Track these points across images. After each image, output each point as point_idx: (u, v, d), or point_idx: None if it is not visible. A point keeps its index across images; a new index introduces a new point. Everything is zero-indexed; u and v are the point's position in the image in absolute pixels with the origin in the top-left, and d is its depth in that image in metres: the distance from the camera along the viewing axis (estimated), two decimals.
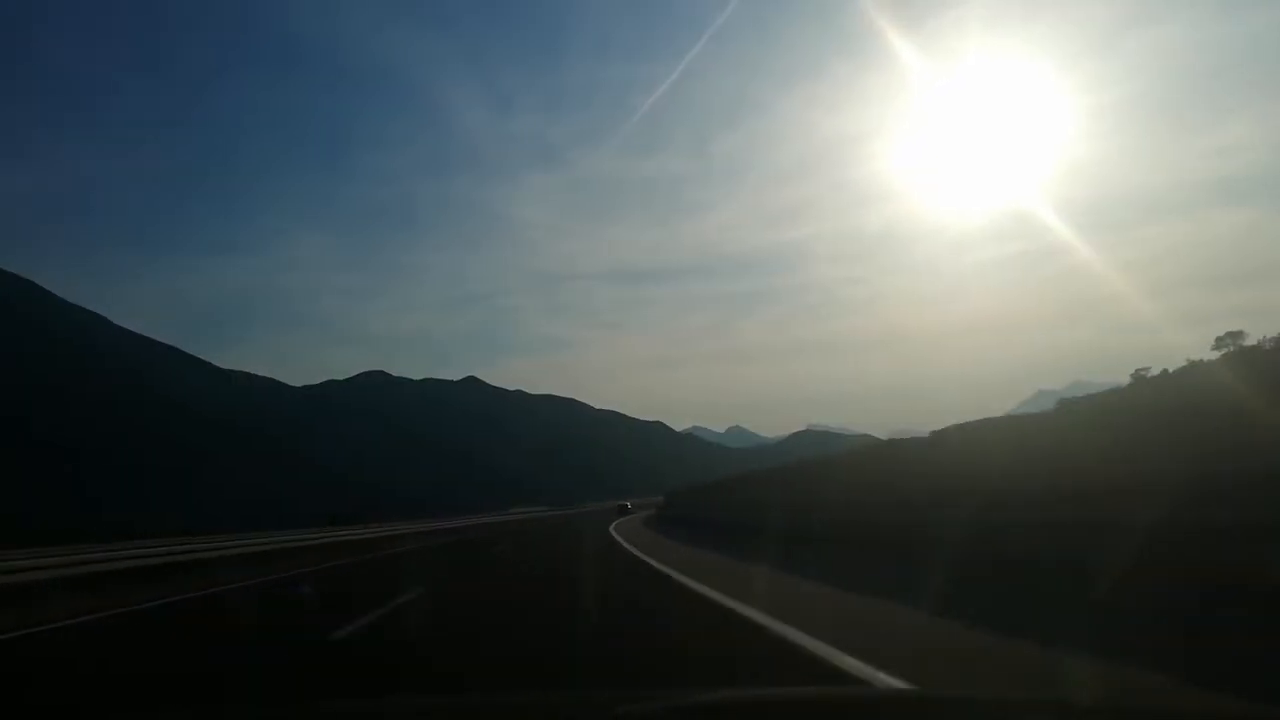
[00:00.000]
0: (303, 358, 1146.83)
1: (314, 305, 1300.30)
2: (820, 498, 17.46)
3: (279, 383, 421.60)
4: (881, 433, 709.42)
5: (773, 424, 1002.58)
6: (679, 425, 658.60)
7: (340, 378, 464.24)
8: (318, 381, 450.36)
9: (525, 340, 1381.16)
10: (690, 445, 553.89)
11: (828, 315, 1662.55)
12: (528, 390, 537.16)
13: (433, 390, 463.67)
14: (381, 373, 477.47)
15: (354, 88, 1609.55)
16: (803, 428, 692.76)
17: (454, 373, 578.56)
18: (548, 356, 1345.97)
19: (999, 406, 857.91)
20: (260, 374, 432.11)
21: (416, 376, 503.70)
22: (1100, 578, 6.77)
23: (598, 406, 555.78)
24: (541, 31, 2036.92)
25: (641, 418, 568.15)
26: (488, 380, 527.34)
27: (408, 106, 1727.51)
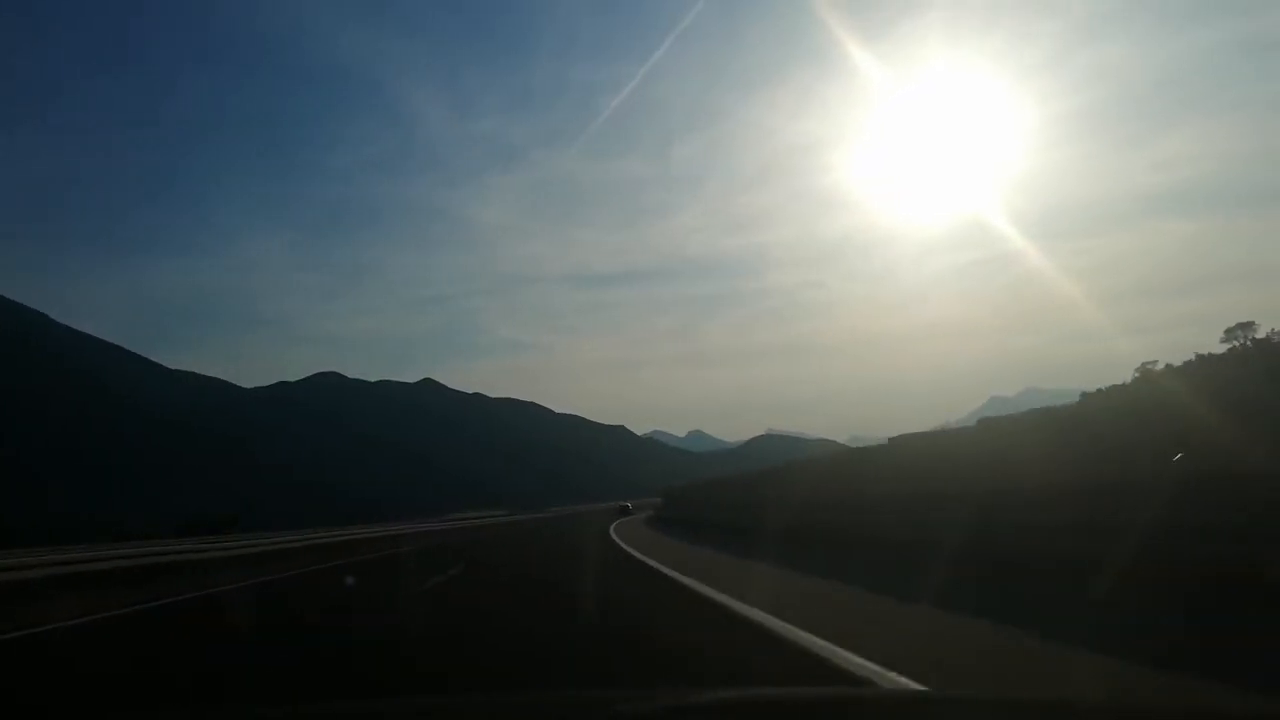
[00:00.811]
0: (256, 359, 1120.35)
1: (269, 306, 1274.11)
2: (781, 499, 20.42)
3: (229, 384, 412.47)
4: (841, 437, 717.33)
5: (733, 428, 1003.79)
6: (640, 429, 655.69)
7: (293, 379, 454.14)
8: (269, 383, 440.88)
9: (485, 343, 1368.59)
10: (652, 449, 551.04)
11: (788, 320, 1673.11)
12: (487, 393, 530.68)
13: (389, 392, 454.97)
14: (336, 374, 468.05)
15: (313, 86, 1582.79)
16: (763, 432, 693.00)
17: (411, 375, 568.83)
18: (508, 360, 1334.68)
19: (955, 412, 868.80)
20: (210, 375, 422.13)
21: (372, 378, 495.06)
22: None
23: (558, 410, 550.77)
24: (505, 32, 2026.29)
25: (603, 421, 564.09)
26: (446, 383, 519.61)
27: (368, 106, 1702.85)
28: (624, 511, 71.65)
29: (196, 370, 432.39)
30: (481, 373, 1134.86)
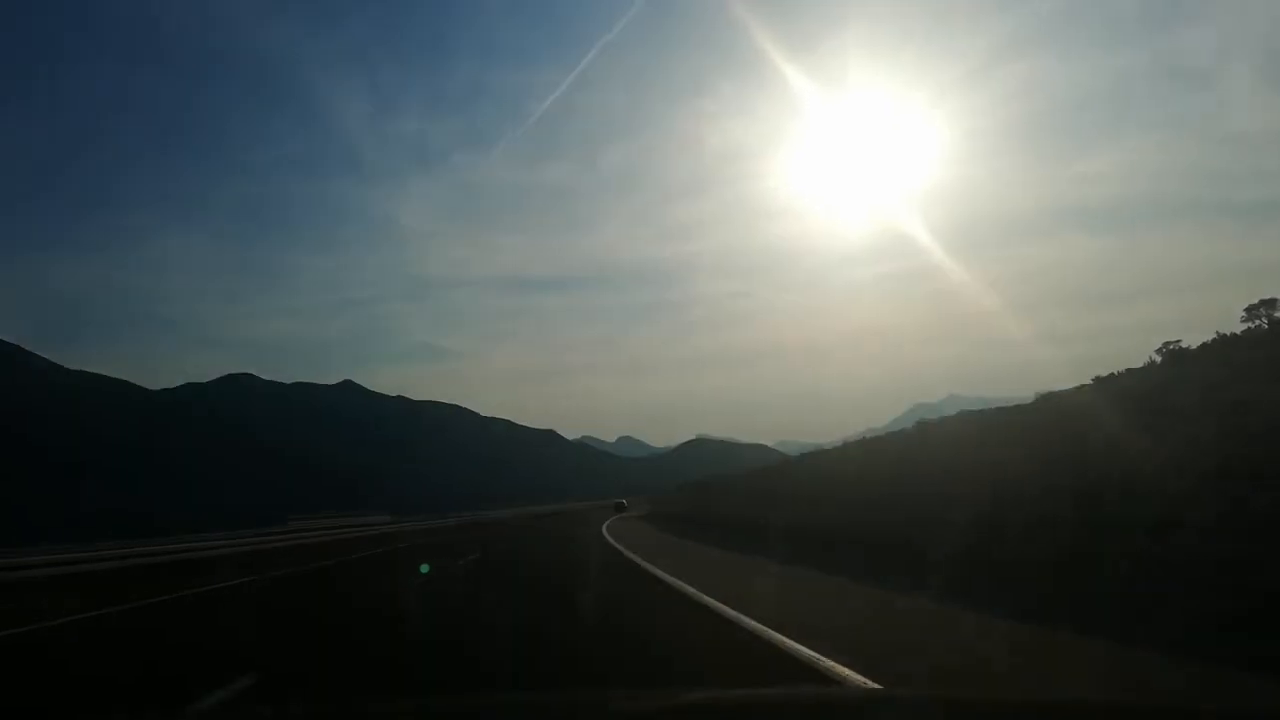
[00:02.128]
0: (164, 361, 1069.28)
1: (180, 307, 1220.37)
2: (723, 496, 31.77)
3: (131, 384, 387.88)
4: (771, 441, 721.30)
5: (664, 434, 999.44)
6: (570, 435, 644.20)
7: (201, 380, 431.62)
8: (176, 384, 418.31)
9: (408, 348, 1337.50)
10: (583, 454, 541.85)
11: (717, 328, 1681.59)
12: (410, 395, 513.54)
13: (305, 394, 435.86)
14: (248, 375, 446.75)
15: (230, 81, 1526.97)
16: (693, 437, 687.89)
17: (330, 378, 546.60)
18: (434, 365, 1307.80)
19: (878, 418, 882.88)
20: (114, 376, 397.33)
21: (287, 380, 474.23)
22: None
23: (485, 414, 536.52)
24: (428, 32, 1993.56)
25: (532, 426, 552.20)
26: (365, 384, 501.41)
27: (286, 103, 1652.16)
28: (619, 509, 75.35)
29: (100, 371, 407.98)
30: (404, 377, 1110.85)
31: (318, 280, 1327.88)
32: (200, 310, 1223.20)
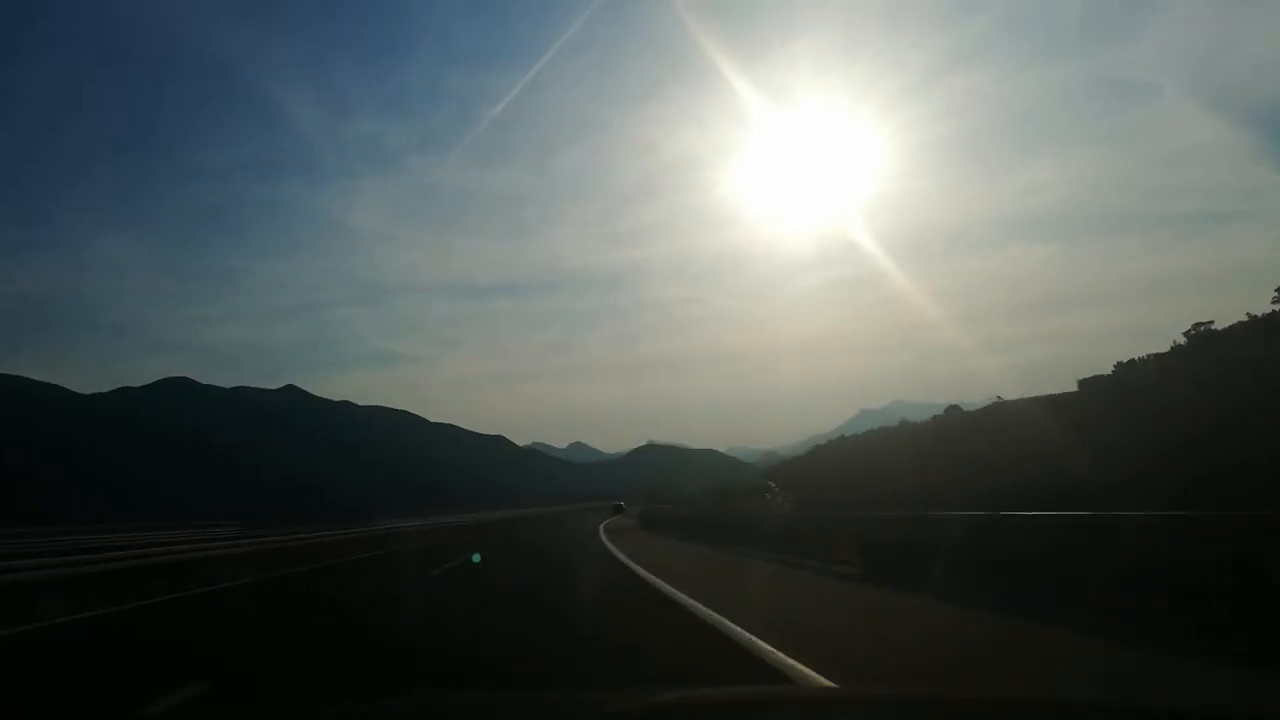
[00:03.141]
0: (99, 366, 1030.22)
1: (117, 311, 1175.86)
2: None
3: (60, 388, 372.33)
4: (722, 447, 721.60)
5: (614, 440, 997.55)
6: (521, 440, 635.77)
7: (136, 385, 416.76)
8: (109, 389, 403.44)
9: (358, 353, 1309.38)
10: (533, 460, 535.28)
11: (667, 334, 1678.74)
12: (356, 401, 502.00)
13: (245, 399, 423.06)
14: (186, 379, 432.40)
15: (179, 81, 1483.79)
16: (644, 443, 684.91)
17: (275, 383, 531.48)
18: (383, 371, 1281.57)
19: (827, 423, 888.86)
20: (38, 379, 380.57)
21: (227, 385, 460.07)
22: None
23: (434, 420, 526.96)
24: (381, 35, 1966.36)
25: (481, 432, 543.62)
26: (312, 391, 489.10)
27: (237, 104, 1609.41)
28: (617, 510, 78.15)
29: (28, 375, 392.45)
30: (354, 383, 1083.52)
31: (266, 284, 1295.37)
32: (140, 314, 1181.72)
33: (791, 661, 6.13)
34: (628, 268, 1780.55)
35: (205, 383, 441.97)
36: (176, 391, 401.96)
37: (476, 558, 17.44)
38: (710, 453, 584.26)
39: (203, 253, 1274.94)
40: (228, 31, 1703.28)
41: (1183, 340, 20.89)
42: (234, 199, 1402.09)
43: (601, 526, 44.08)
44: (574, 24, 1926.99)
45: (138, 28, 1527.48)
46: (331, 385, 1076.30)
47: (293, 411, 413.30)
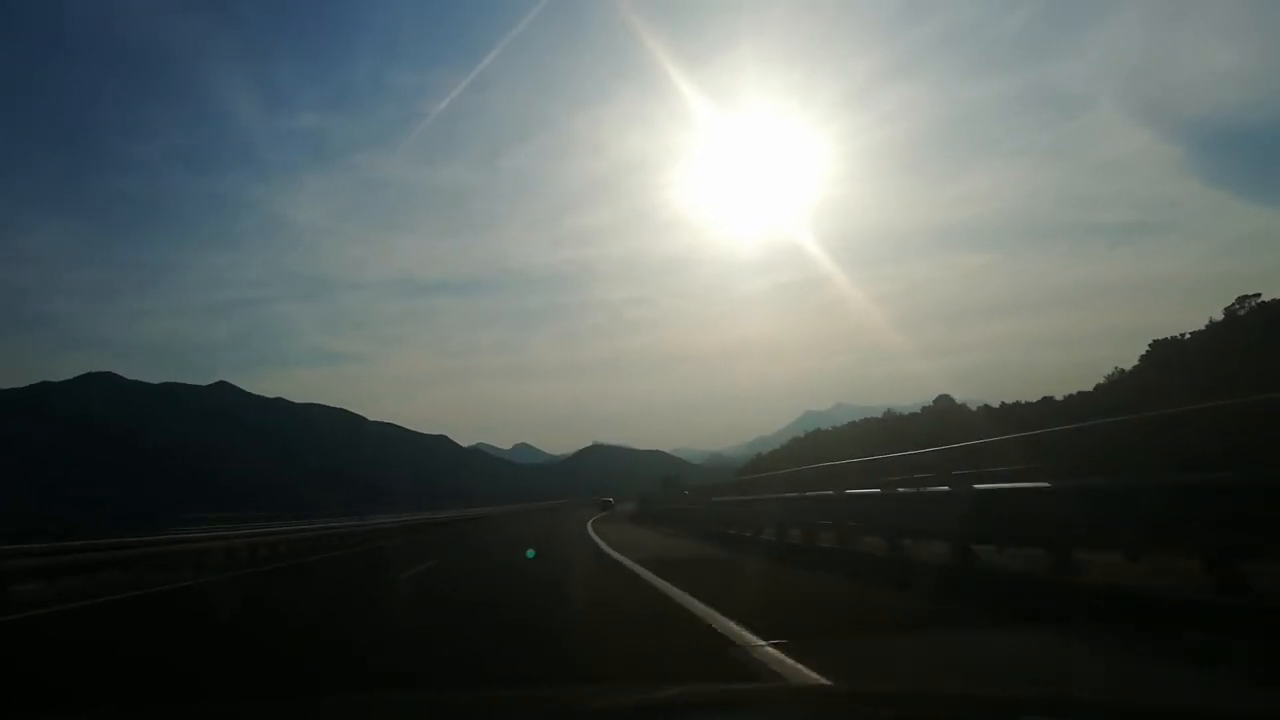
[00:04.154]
0: (18, 360, 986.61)
1: (41, 303, 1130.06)
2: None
3: None
4: (667, 448, 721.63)
5: (560, 440, 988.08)
6: (465, 441, 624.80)
7: (57, 379, 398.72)
8: (29, 383, 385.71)
9: (297, 351, 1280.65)
10: (477, 460, 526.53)
11: (614, 335, 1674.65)
12: (291, 399, 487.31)
13: (174, 394, 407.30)
14: (110, 374, 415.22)
15: (109, 68, 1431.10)
16: (590, 444, 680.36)
17: (208, 379, 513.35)
18: (323, 369, 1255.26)
19: (772, 424, 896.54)
20: None
21: (155, 381, 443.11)
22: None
23: (374, 419, 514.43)
24: (324, 27, 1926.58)
25: (423, 432, 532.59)
26: (248, 389, 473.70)
27: (172, 94, 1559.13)
28: (605, 507, 76.15)
29: None
30: (292, 380, 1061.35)
31: (202, 278, 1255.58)
32: (67, 308, 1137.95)
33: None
34: (575, 268, 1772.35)
35: (132, 378, 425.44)
36: (100, 386, 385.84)
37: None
38: (657, 454, 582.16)
39: (136, 246, 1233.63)
40: (163, 19, 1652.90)
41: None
42: (170, 191, 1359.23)
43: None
44: (521, 22, 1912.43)
45: (68, 14, 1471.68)
46: (268, 382, 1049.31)
47: (224, 408, 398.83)
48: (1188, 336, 65.68)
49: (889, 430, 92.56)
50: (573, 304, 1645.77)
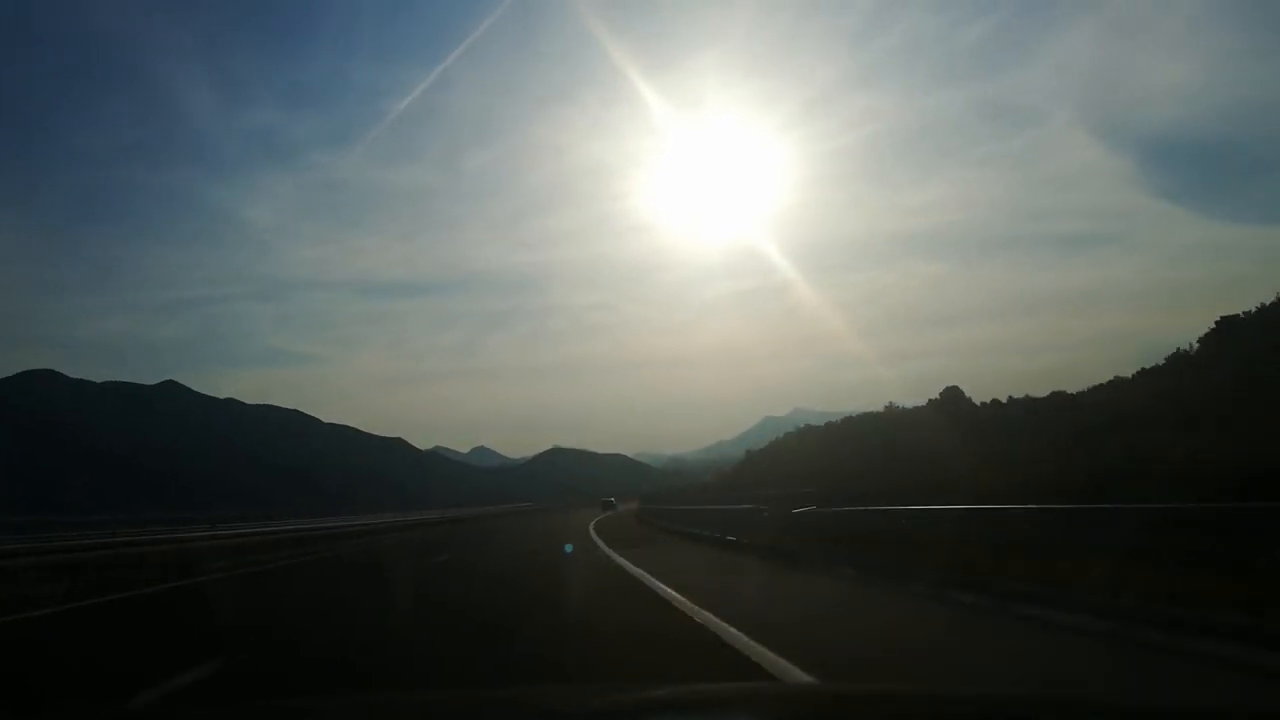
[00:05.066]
0: None
1: None
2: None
3: None
4: (628, 451, 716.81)
5: (519, 444, 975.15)
6: (423, 444, 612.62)
7: None
8: None
9: (251, 351, 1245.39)
10: (435, 463, 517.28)
11: (574, 339, 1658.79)
12: (243, 399, 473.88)
13: (118, 393, 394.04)
14: (50, 372, 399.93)
15: (51, 52, 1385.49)
16: (550, 447, 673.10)
17: (155, 379, 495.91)
18: (277, 370, 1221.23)
19: (731, 429, 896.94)
20: None
21: (99, 380, 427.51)
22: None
23: (328, 421, 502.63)
24: (281, 21, 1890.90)
25: (380, 434, 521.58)
26: (198, 389, 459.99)
27: (124, 85, 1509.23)
28: (607, 507, 76.01)
29: None
30: (245, 381, 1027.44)
31: (151, 276, 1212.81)
32: (4, 304, 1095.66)
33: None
34: (536, 271, 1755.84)
35: (75, 376, 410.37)
36: (40, 384, 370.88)
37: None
38: (617, 457, 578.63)
39: (80, 241, 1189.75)
40: (113, 6, 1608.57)
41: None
42: (117, 185, 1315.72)
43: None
44: (484, 22, 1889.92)
45: (9, 1, 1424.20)
46: (219, 383, 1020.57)
47: (172, 408, 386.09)
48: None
49: (843, 435, 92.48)
50: (533, 307, 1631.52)
